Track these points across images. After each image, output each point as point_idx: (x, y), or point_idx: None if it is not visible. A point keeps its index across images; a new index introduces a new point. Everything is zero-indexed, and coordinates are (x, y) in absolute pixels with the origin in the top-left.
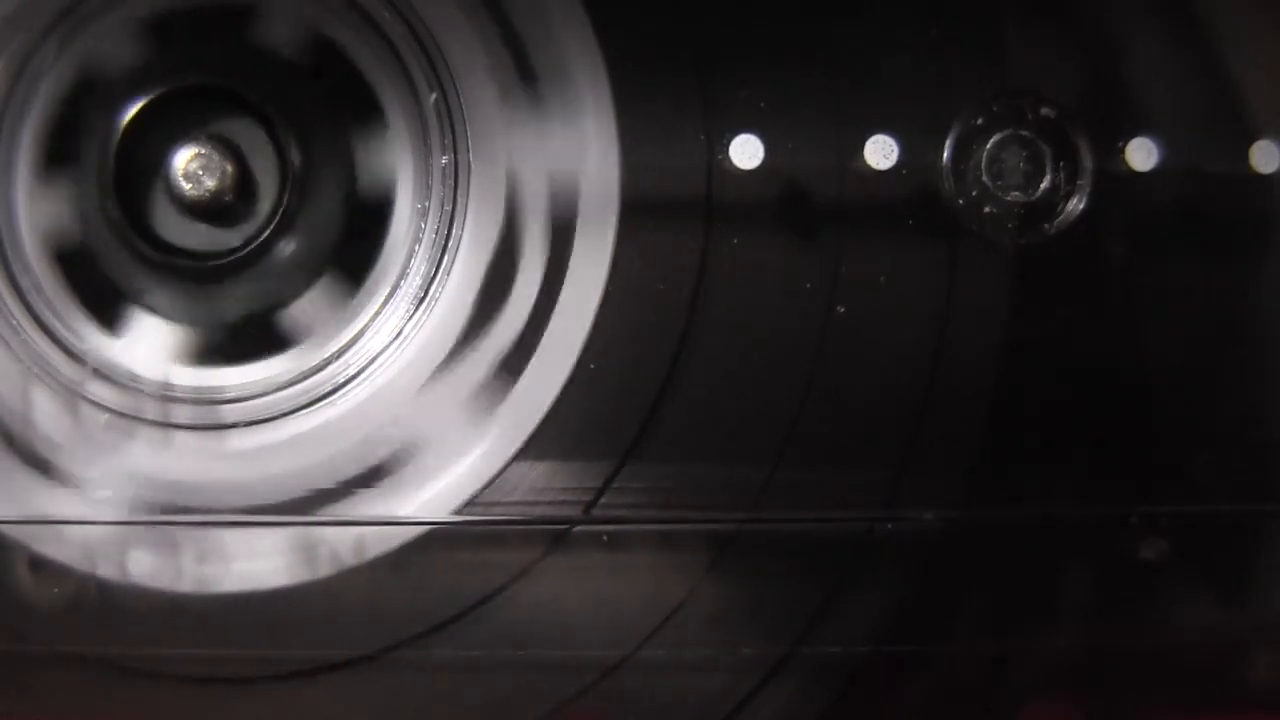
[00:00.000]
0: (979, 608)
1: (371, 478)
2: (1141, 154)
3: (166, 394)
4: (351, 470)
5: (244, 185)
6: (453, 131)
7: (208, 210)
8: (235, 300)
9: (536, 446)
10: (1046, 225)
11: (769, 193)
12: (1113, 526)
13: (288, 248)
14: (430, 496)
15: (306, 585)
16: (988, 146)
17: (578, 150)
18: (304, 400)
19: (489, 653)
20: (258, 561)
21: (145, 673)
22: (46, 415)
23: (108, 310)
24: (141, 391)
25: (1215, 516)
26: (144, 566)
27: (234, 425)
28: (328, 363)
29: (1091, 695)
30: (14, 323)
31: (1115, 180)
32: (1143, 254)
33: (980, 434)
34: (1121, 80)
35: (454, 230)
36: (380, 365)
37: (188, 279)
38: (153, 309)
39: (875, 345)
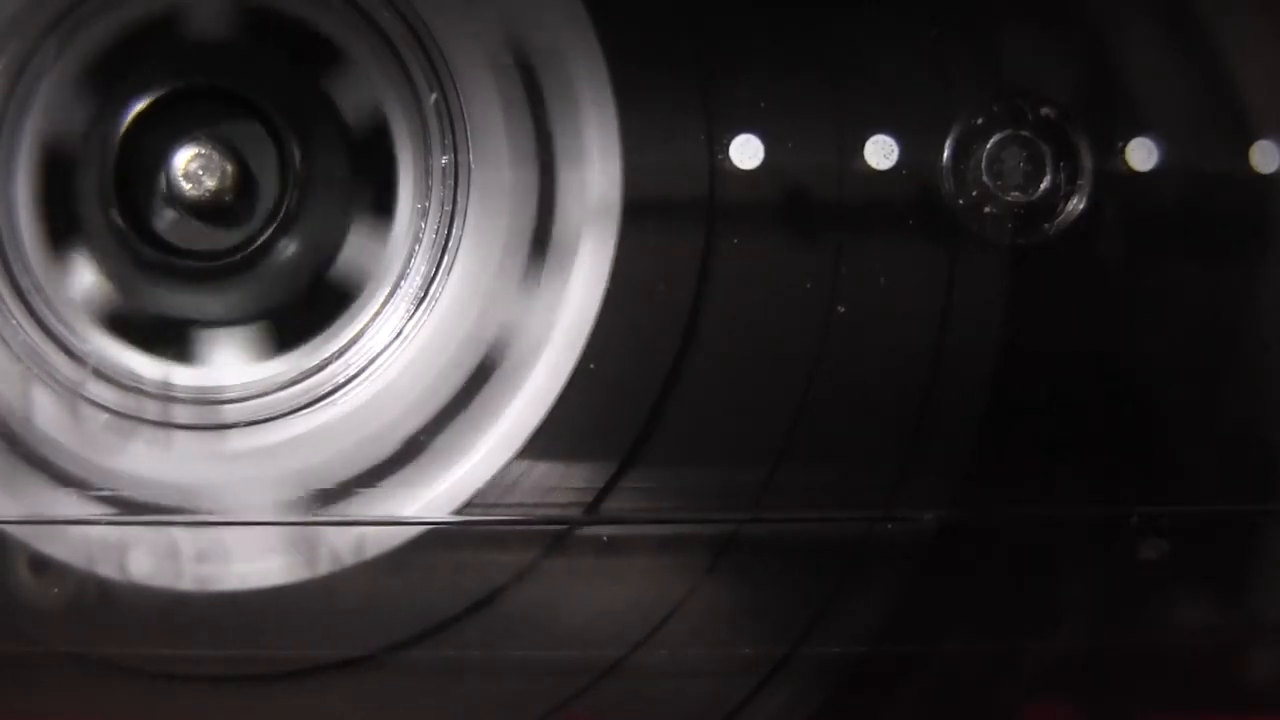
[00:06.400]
0: (979, 608)
1: (371, 478)
2: (1141, 154)
3: (166, 394)
4: (351, 470)
5: (244, 185)
6: (453, 131)
7: (208, 210)
8: (235, 300)
9: (537, 447)
10: (1046, 225)
11: (769, 193)
12: (1113, 526)
13: (288, 248)
14: (430, 497)
15: (306, 585)
16: (988, 146)
17: (578, 150)
18: (304, 400)
19: (489, 653)
20: (258, 561)
21: (145, 673)
22: (46, 415)
23: (108, 311)
24: (141, 391)
25: (1215, 516)
26: (144, 566)
27: (234, 425)
28: (328, 363)
29: (1091, 695)
30: (14, 323)
31: (1115, 180)
32: (1143, 254)
33: (980, 434)
34: (1121, 80)
35: (454, 230)
36: (380, 365)
37: (188, 279)
38: (153, 310)
39: (875, 345)
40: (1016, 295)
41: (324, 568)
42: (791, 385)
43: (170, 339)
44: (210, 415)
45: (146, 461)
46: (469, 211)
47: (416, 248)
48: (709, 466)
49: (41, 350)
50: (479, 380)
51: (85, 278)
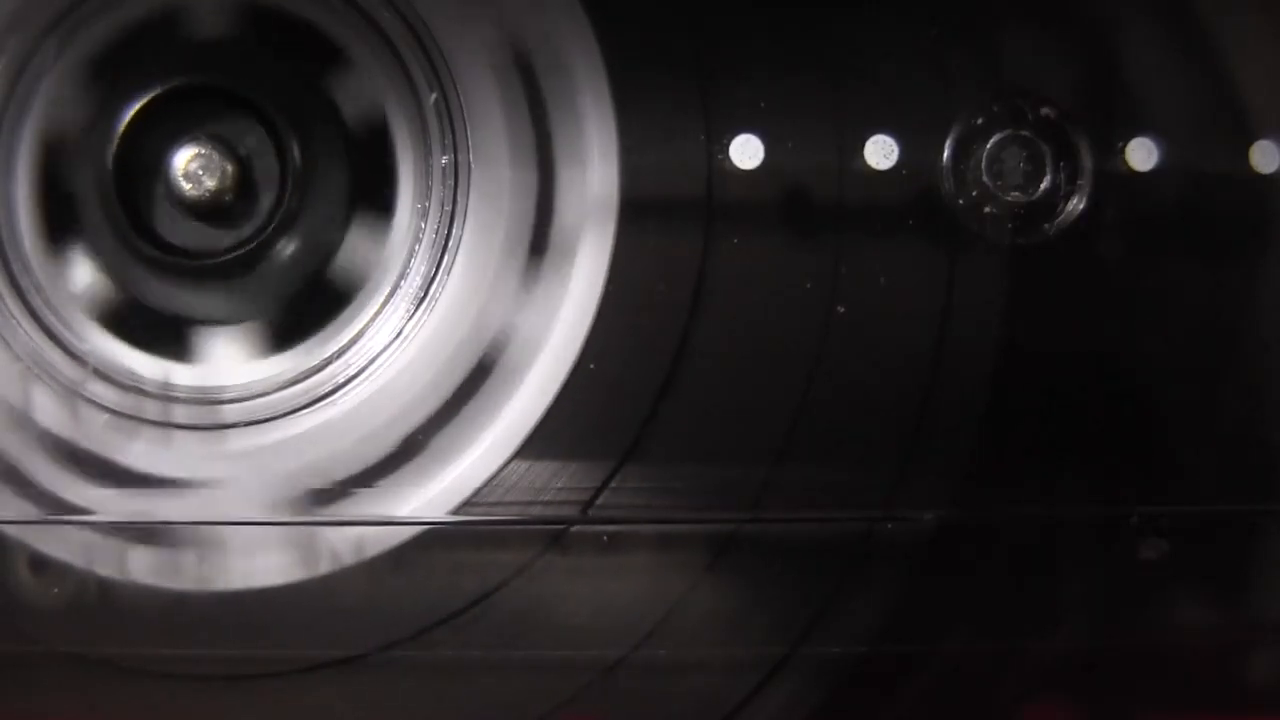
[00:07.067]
0: (979, 608)
1: (371, 477)
2: (1141, 154)
3: (166, 394)
4: (351, 470)
5: (244, 185)
6: (453, 131)
7: (208, 210)
8: (235, 300)
9: (535, 446)
10: (1046, 225)
11: (769, 193)
12: (1113, 526)
13: (288, 248)
14: (430, 496)
15: (306, 584)
16: (988, 146)
17: (578, 150)
18: (304, 400)
19: (487, 652)
20: (257, 560)
21: (145, 672)
22: (46, 415)
23: (108, 310)
24: (142, 391)
25: (1215, 516)
26: (144, 566)
27: (234, 425)
28: (328, 363)
29: (1091, 695)
30: (14, 323)
31: (1115, 180)
32: (1143, 254)
33: (980, 434)
34: (1121, 80)
35: (454, 230)
36: (380, 365)
37: (188, 278)
38: (153, 309)
39: (875, 345)
40: (1016, 295)
41: (324, 567)
42: (791, 385)
43: (170, 339)
44: (210, 415)
45: (146, 461)
46: (469, 211)
47: (416, 248)
48: (708, 466)
49: (41, 350)
50: (478, 379)
51: (85, 277)
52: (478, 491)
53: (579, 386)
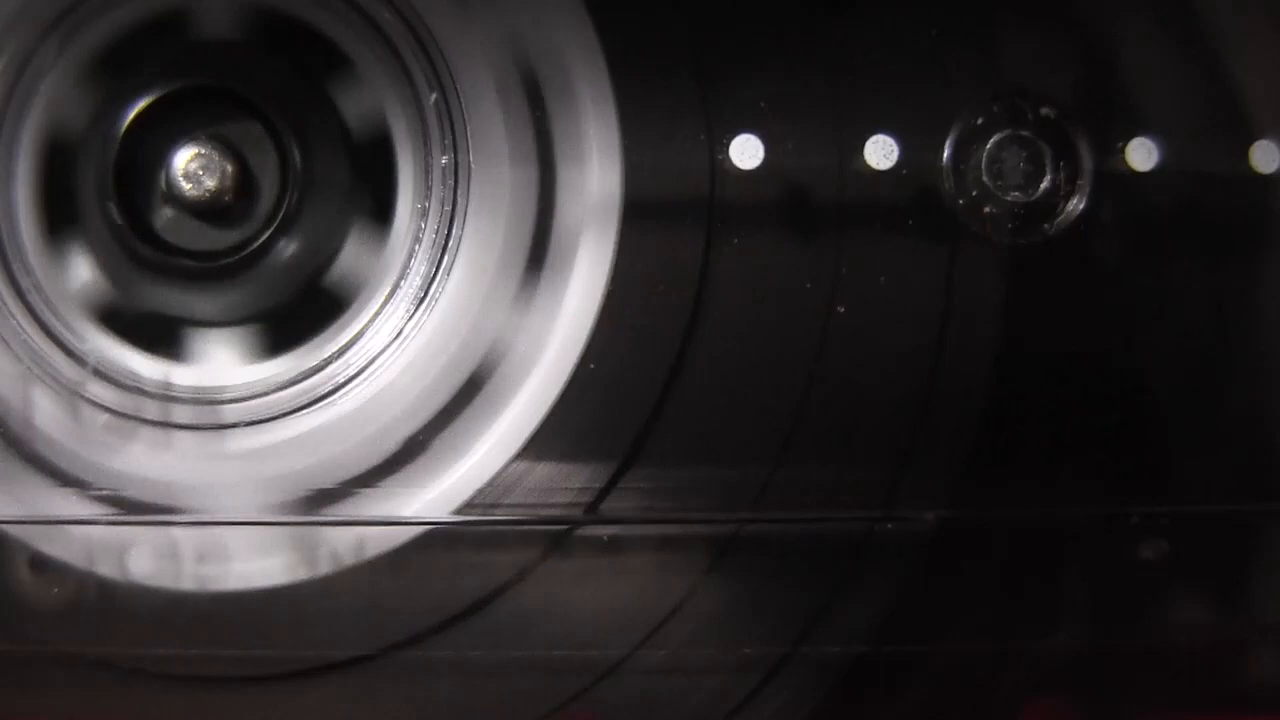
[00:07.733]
0: (979, 608)
1: (371, 478)
2: (1141, 154)
3: (166, 394)
4: (352, 471)
5: (244, 185)
6: (453, 131)
7: (208, 210)
8: (235, 300)
9: (537, 447)
10: (1046, 225)
11: (769, 193)
12: (1113, 526)
13: (288, 248)
14: (431, 497)
15: (306, 585)
16: (988, 146)
17: (578, 150)
18: (304, 400)
19: (489, 653)
20: (257, 561)
21: (145, 673)
22: (46, 415)
23: (108, 310)
24: (142, 391)
25: (1215, 516)
26: (144, 566)
27: (234, 425)
28: (328, 363)
29: (1091, 695)
30: (14, 323)
31: (1115, 180)
32: (1143, 254)
33: (980, 434)
34: (1121, 80)
35: (454, 230)
36: (380, 365)
37: (188, 279)
38: (153, 309)
39: (875, 345)
40: (1016, 295)
41: (324, 568)
42: (791, 385)
43: (170, 339)
44: (210, 415)
45: (146, 461)
46: (469, 211)
47: (416, 248)
48: (709, 466)
49: (41, 350)
50: (479, 380)
51: (85, 277)
52: (479, 492)
53: (580, 387)
